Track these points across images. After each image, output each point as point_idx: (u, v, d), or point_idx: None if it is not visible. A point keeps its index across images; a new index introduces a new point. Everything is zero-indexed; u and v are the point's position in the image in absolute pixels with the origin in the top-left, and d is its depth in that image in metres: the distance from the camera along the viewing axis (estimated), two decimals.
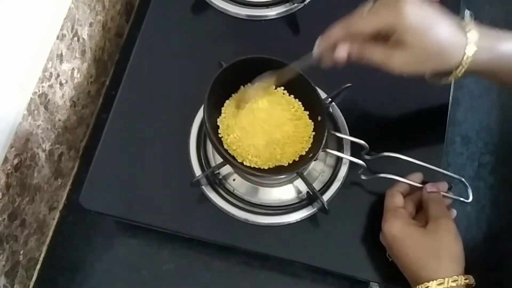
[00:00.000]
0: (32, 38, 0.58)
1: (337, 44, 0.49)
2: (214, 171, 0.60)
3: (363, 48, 0.48)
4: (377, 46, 0.48)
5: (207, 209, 0.60)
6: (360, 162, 0.58)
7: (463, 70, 0.48)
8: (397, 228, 0.54)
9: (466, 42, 0.46)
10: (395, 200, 0.57)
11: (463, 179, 0.59)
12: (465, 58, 0.47)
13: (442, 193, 0.58)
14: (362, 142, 0.57)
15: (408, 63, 0.47)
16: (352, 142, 0.62)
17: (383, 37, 0.47)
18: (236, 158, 0.56)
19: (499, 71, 0.50)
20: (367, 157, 0.59)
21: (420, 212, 0.58)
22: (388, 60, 0.47)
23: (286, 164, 0.57)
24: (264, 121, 0.57)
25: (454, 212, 0.58)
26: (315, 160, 0.59)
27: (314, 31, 0.69)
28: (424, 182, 0.59)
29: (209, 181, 0.61)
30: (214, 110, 0.58)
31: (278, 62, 0.56)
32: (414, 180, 0.59)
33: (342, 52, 0.49)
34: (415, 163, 0.58)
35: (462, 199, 0.59)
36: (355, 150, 0.62)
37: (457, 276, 0.50)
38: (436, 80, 0.52)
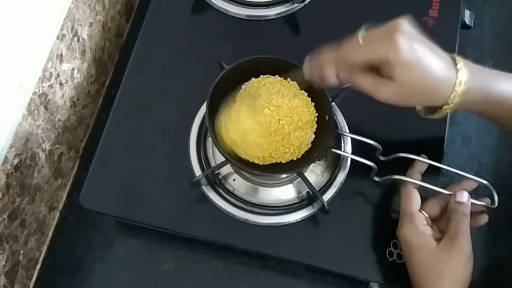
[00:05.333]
0: (32, 38, 0.58)
1: (325, 66, 0.48)
2: (214, 171, 0.60)
3: (352, 74, 0.48)
4: (366, 74, 0.47)
5: (207, 209, 0.60)
6: (371, 163, 0.57)
7: (450, 108, 0.48)
8: (412, 235, 0.54)
9: (455, 81, 0.46)
10: (413, 201, 0.56)
11: (487, 183, 0.58)
12: (452, 96, 0.46)
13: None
14: (374, 143, 0.56)
15: (395, 95, 0.47)
16: (353, 143, 0.62)
17: (373, 66, 0.47)
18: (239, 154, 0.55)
19: (491, 111, 0.50)
20: (381, 158, 0.58)
21: (443, 217, 0.56)
22: (376, 90, 0.47)
23: (294, 158, 0.56)
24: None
25: (485, 218, 0.57)
26: (319, 160, 0.59)
27: (314, 31, 0.70)
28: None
29: (209, 181, 0.61)
30: (216, 110, 0.58)
31: (280, 60, 0.55)
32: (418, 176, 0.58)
33: (330, 75, 0.48)
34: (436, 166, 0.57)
35: (488, 205, 0.57)
36: (355, 150, 0.62)
37: None
38: (426, 114, 0.52)
